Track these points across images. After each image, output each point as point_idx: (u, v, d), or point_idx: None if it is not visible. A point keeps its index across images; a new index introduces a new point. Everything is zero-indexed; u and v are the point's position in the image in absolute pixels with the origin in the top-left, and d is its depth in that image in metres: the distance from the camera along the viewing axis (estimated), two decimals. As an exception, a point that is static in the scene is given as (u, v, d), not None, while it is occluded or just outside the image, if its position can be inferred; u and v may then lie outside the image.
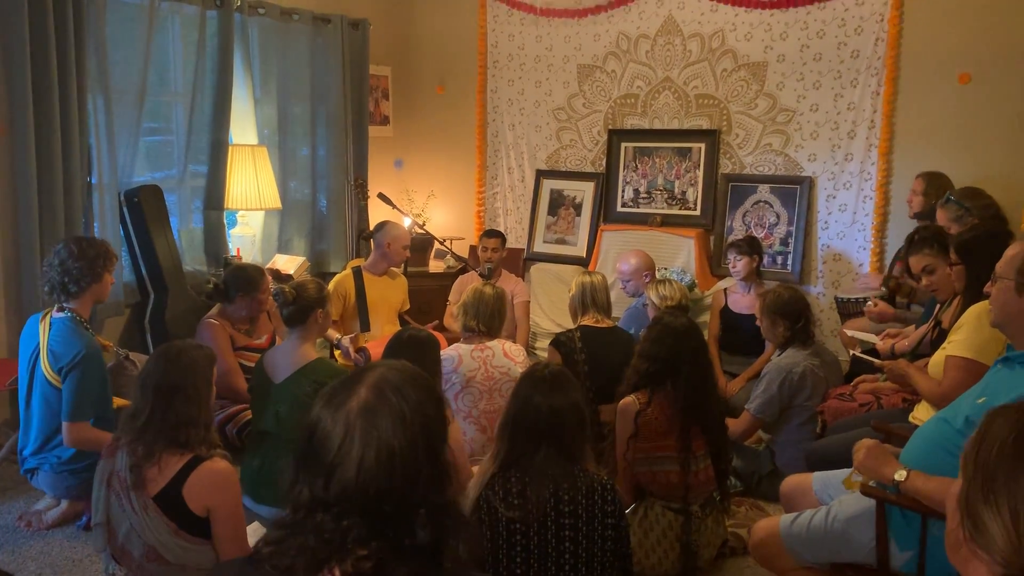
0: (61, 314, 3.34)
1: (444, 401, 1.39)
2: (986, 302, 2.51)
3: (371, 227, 5.26)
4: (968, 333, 2.77)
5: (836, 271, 5.38)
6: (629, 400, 3.10)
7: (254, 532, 2.91)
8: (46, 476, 3.39)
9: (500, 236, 5.33)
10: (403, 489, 1.22)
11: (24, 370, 3.38)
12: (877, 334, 4.02)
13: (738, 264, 4.75)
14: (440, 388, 1.36)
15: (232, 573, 1.33)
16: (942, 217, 4.03)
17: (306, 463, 1.26)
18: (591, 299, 3.99)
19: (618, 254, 5.59)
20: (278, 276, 4.83)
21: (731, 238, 5.58)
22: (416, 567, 1.22)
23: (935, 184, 4.51)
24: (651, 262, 4.82)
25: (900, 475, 2.19)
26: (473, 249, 6.37)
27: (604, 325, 3.98)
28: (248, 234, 5.47)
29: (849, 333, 4.25)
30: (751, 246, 4.80)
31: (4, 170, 4.09)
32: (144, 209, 4.60)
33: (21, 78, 3.99)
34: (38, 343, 3.32)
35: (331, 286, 4.64)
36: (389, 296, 4.82)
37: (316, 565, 1.19)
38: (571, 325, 4.11)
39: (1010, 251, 2.33)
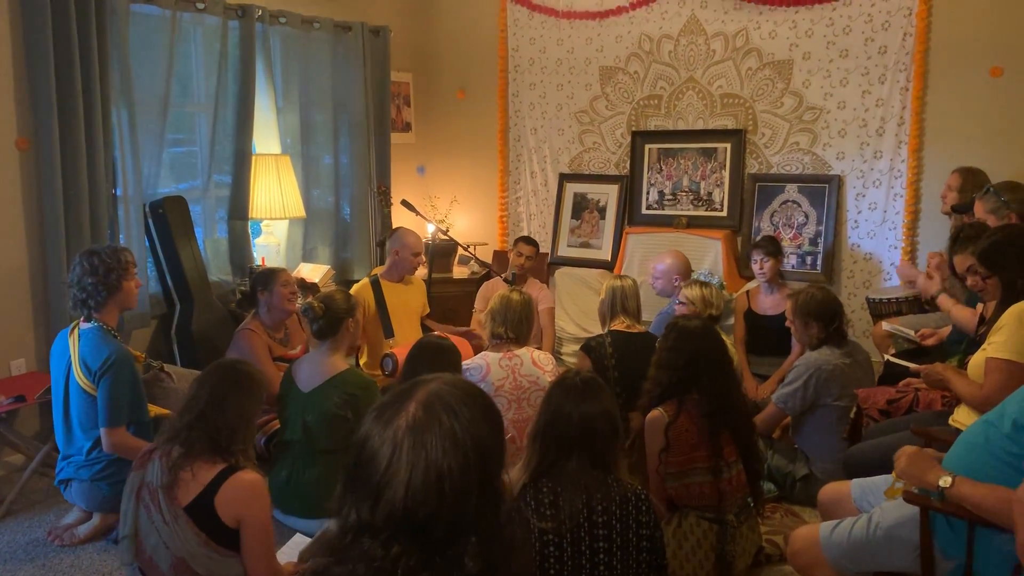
0: (88, 324, 3.37)
1: (502, 420, 1.30)
2: (1026, 302, 2.44)
3: (393, 234, 5.26)
4: (1009, 334, 2.68)
5: (867, 271, 5.29)
6: (656, 414, 3.02)
7: (296, 545, 2.89)
8: (81, 488, 3.40)
9: (535, 244, 5.31)
10: (453, 514, 1.15)
11: (59, 385, 3.40)
12: (915, 329, 3.95)
13: (765, 265, 4.70)
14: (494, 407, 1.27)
15: None
16: (980, 208, 3.92)
17: (354, 483, 1.20)
18: (621, 305, 3.94)
19: (644, 257, 5.55)
20: (303, 285, 4.83)
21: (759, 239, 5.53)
22: None
23: (971, 180, 4.41)
24: (684, 266, 4.76)
25: (945, 481, 2.12)
26: (497, 254, 6.34)
27: (635, 330, 3.93)
28: (272, 243, 5.47)
29: (886, 326, 4.16)
30: (776, 246, 4.76)
31: (30, 183, 4.11)
32: (169, 220, 4.62)
33: (46, 91, 4.02)
34: (69, 356, 3.34)
35: (350, 297, 4.64)
36: (409, 301, 4.80)
37: None
38: (596, 329, 4.07)
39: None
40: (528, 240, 5.33)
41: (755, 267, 4.79)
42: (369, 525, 1.16)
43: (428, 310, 4.99)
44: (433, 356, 3.10)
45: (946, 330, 3.87)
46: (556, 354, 5.76)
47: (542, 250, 6.25)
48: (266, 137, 5.50)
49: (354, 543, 1.17)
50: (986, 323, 3.14)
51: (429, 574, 1.14)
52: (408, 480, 1.15)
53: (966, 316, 3.59)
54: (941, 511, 2.17)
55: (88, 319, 3.37)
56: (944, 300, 3.84)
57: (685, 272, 4.74)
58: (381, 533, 1.15)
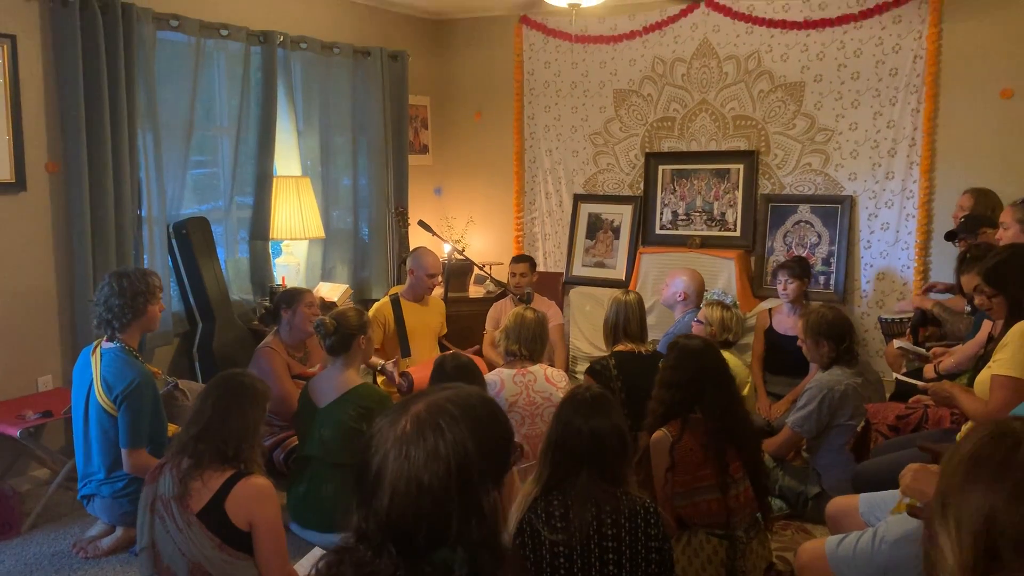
0: (111, 344, 3.43)
1: (507, 436, 1.34)
2: (1031, 319, 2.48)
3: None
4: (1013, 351, 2.72)
5: (880, 290, 5.33)
6: (661, 434, 3.03)
7: (314, 558, 2.95)
8: (103, 503, 3.48)
9: (529, 260, 5.36)
10: (433, 522, 1.21)
11: (80, 403, 3.47)
12: (926, 349, 3.97)
13: (789, 287, 4.71)
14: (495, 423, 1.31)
15: None
16: (1009, 215, 3.91)
17: (355, 489, 1.29)
18: (623, 329, 3.95)
19: (658, 276, 5.60)
20: (322, 304, 4.91)
21: (772, 259, 5.57)
22: None
23: (983, 201, 4.44)
24: (696, 287, 4.79)
25: (948, 496, 2.16)
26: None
27: (640, 350, 3.95)
28: (292, 263, 5.57)
29: (897, 344, 4.18)
30: (803, 268, 4.75)
31: (59, 204, 4.24)
32: (192, 240, 4.73)
33: (75, 116, 4.15)
34: (91, 375, 3.41)
35: (370, 314, 4.71)
36: (428, 321, 4.88)
37: None
38: (607, 349, 4.10)
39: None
40: (519, 258, 5.38)
41: (779, 287, 4.80)
42: (364, 532, 1.24)
43: (445, 330, 5.06)
44: (463, 376, 3.12)
45: (960, 350, 3.89)
46: (571, 372, 5.81)
47: (557, 270, 6.33)
48: (287, 159, 5.62)
49: (354, 548, 1.25)
50: (993, 341, 3.17)
51: None
52: (392, 488, 1.22)
53: (969, 351, 3.60)
54: (944, 525, 2.20)
55: (111, 339, 3.44)
56: (948, 361, 3.76)
57: (695, 293, 4.77)
58: (374, 540, 1.23)
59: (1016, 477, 1.18)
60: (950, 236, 4.41)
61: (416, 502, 1.21)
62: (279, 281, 5.35)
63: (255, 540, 2.50)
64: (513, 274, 5.30)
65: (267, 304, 4.29)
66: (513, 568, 1.34)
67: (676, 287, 4.79)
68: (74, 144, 4.18)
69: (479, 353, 4.83)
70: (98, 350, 3.45)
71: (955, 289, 4.26)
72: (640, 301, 4.09)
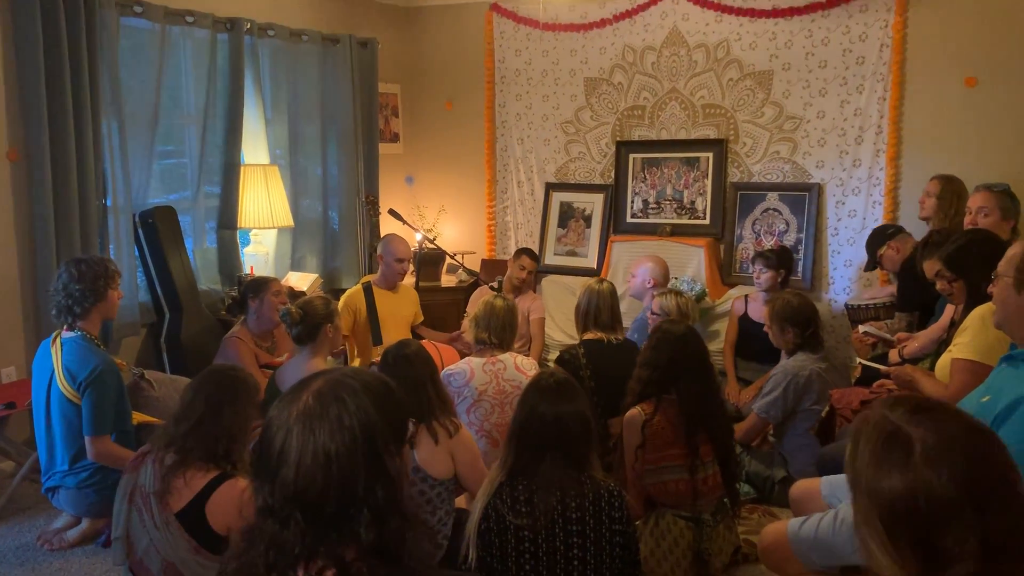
0: (71, 333, 3.39)
1: (402, 408, 1.40)
2: (990, 304, 2.52)
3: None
4: (973, 335, 2.77)
5: (847, 277, 5.38)
6: (635, 412, 3.10)
7: None
8: (68, 495, 3.44)
9: (537, 259, 5.33)
10: (341, 490, 1.25)
11: (40, 395, 3.43)
12: (891, 332, 4.03)
13: (763, 276, 4.73)
14: (404, 396, 1.36)
15: None
16: (991, 200, 3.95)
17: (257, 469, 1.31)
18: (594, 318, 3.96)
19: (628, 265, 5.62)
20: (292, 294, 4.88)
21: (741, 247, 5.62)
22: (383, 570, 1.24)
23: (950, 188, 4.50)
24: (662, 272, 4.83)
25: (906, 476, 2.19)
26: (485, 263, 6.41)
27: (610, 339, 3.96)
28: (261, 252, 5.53)
29: (863, 329, 4.24)
30: (780, 260, 4.75)
31: (21, 194, 4.18)
32: (159, 230, 4.68)
33: (36, 103, 4.08)
34: (52, 366, 3.37)
35: (342, 301, 4.70)
36: (400, 309, 4.87)
37: None
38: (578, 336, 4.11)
39: (1011, 250, 2.34)
40: (532, 254, 5.33)
41: (753, 275, 4.84)
42: (270, 508, 1.26)
43: (421, 318, 5.05)
44: (405, 367, 2.96)
45: (924, 335, 3.94)
46: (544, 361, 5.82)
47: (529, 258, 6.34)
48: (255, 148, 5.57)
49: (260, 527, 1.27)
50: (954, 325, 3.22)
51: (326, 548, 1.23)
52: (298, 461, 1.25)
53: (933, 335, 3.66)
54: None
55: (71, 327, 3.39)
56: (912, 346, 3.83)
57: (662, 279, 4.80)
58: (279, 513, 1.25)
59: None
60: (871, 267, 4.68)
61: (324, 472, 1.24)
62: (248, 271, 5.31)
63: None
64: (522, 268, 5.23)
65: (233, 295, 4.27)
66: (422, 529, 1.37)
67: (643, 276, 4.81)
68: (36, 133, 4.11)
69: (456, 339, 4.81)
70: (58, 340, 3.40)
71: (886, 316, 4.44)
72: (613, 290, 4.10)
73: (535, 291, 5.95)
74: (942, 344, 3.36)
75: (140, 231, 4.69)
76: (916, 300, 4.20)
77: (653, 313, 4.30)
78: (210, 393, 2.53)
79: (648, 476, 3.05)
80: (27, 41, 4.05)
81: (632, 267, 4.96)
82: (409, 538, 1.29)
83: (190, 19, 4.84)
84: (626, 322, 4.82)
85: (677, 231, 5.75)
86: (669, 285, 4.84)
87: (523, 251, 5.39)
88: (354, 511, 1.25)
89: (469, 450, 2.93)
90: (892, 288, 4.68)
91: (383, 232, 5.97)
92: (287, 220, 5.43)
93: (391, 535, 1.27)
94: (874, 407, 1.32)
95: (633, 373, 3.21)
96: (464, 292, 5.76)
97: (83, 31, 4.19)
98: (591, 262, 6.11)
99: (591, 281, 4.14)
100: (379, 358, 4.27)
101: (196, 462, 2.45)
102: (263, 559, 1.24)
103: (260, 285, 4.16)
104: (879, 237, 4.56)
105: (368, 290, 4.77)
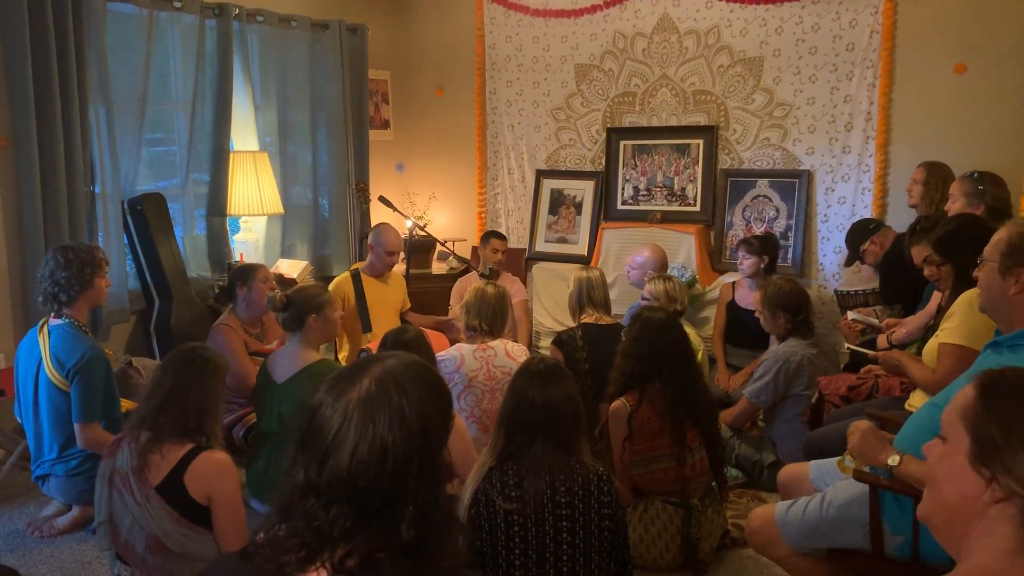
0: (58, 321, 3.38)
1: (450, 401, 1.38)
2: (976, 289, 2.53)
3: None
4: (960, 320, 2.78)
5: (837, 263, 5.40)
6: (619, 403, 3.11)
7: None
8: (58, 482, 3.44)
9: (506, 238, 5.49)
10: (392, 484, 1.23)
11: (28, 383, 3.42)
12: (880, 319, 4.05)
13: (746, 262, 4.75)
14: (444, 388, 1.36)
15: (228, 569, 1.32)
16: (957, 187, 3.99)
17: (304, 446, 1.27)
18: (588, 297, 4.02)
19: (619, 251, 5.64)
20: (282, 281, 4.88)
21: (731, 233, 5.63)
22: (407, 566, 1.22)
23: (936, 174, 4.51)
24: (661, 260, 4.85)
25: (894, 460, 2.21)
26: (476, 250, 6.40)
27: (604, 322, 4.00)
28: (251, 239, 5.52)
29: (851, 315, 4.26)
30: (763, 246, 4.76)
31: (8, 181, 4.15)
32: (148, 217, 4.66)
33: (23, 90, 4.05)
34: (39, 354, 3.36)
35: (330, 288, 4.69)
36: (389, 296, 4.87)
37: (306, 558, 1.20)
38: (571, 323, 4.14)
39: (997, 235, 2.35)
40: (500, 235, 5.47)
41: (738, 262, 4.86)
42: (315, 487, 1.23)
43: (409, 305, 5.06)
44: (401, 348, 3.11)
45: (911, 320, 3.96)
46: (534, 347, 5.84)
47: (520, 245, 6.34)
48: (244, 135, 5.55)
49: (299, 502, 1.24)
50: (942, 310, 3.24)
51: (364, 537, 1.21)
52: (354, 449, 1.22)
53: (920, 321, 3.68)
54: (889, 489, 2.26)
55: (58, 315, 3.38)
56: (900, 332, 3.85)
57: (660, 267, 4.81)
58: (323, 495, 1.22)
59: None
60: (852, 261, 4.74)
61: (379, 464, 1.22)
62: (237, 258, 5.30)
63: (214, 514, 2.48)
64: (495, 250, 5.34)
65: (222, 283, 4.26)
66: (460, 528, 1.35)
67: (643, 264, 4.81)
68: (23, 119, 4.08)
69: (445, 325, 4.82)
70: (45, 328, 3.39)
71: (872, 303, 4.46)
72: (602, 276, 4.13)
73: (524, 276, 5.97)
74: (929, 330, 3.38)
75: (129, 218, 4.67)
76: (899, 292, 4.22)
77: (644, 299, 4.32)
78: (177, 370, 2.58)
79: (636, 466, 3.06)
80: (13, 27, 4.01)
81: (629, 257, 4.97)
82: (447, 537, 1.27)
83: (178, 4, 4.81)
84: (621, 309, 4.84)
85: (668, 218, 5.75)
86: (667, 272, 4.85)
87: (491, 234, 5.46)
88: (400, 506, 1.23)
89: (462, 438, 2.95)
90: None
91: (374, 219, 5.96)
92: (277, 207, 5.42)
93: (430, 532, 1.25)
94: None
95: (615, 363, 3.22)
96: (455, 279, 5.76)
97: (70, 17, 4.16)
98: (582, 249, 6.11)
99: (578, 271, 4.18)
100: (368, 345, 4.33)
101: (170, 437, 2.49)
102: (298, 536, 1.21)
103: (248, 272, 4.16)
104: (861, 232, 4.57)
105: (356, 278, 4.76)
